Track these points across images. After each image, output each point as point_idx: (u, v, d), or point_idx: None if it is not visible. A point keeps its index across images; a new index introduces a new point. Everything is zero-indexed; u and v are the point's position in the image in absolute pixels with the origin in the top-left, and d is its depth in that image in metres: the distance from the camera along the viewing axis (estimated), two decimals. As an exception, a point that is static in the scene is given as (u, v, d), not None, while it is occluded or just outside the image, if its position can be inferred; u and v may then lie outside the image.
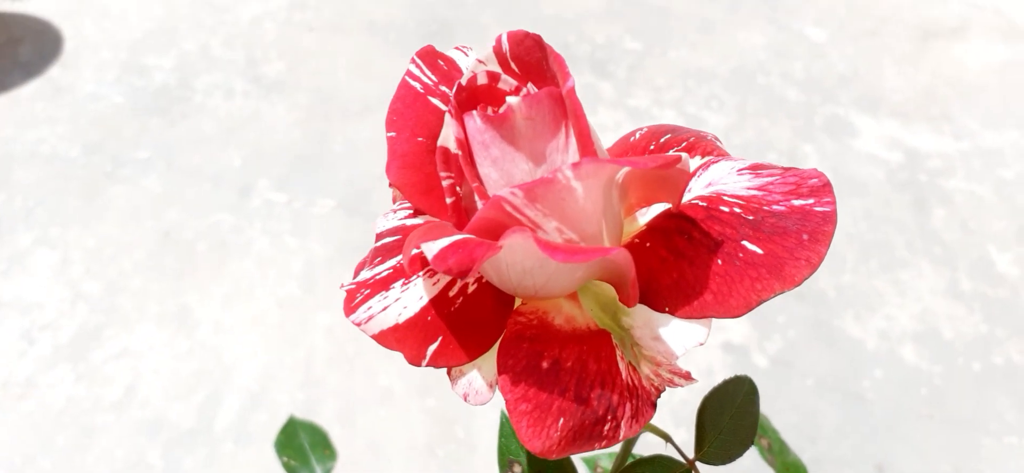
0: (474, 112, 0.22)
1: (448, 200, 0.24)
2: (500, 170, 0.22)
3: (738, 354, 1.36)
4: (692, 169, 0.23)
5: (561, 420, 0.21)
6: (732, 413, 0.31)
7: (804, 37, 2.19)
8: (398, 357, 0.26)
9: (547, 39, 0.23)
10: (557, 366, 0.21)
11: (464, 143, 0.23)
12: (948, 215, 1.62)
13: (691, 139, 0.25)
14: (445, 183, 0.24)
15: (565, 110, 0.21)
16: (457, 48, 0.27)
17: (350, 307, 0.25)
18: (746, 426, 0.31)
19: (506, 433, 0.33)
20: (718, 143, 0.25)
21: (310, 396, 1.31)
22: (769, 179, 0.22)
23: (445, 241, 0.20)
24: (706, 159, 0.24)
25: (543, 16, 2.27)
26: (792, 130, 1.84)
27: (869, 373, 1.34)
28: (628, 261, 0.20)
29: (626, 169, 0.22)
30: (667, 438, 0.32)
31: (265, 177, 1.70)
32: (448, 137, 0.24)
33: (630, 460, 0.33)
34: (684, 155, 0.21)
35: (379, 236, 0.26)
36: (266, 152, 1.77)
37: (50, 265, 1.52)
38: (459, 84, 0.23)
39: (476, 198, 0.23)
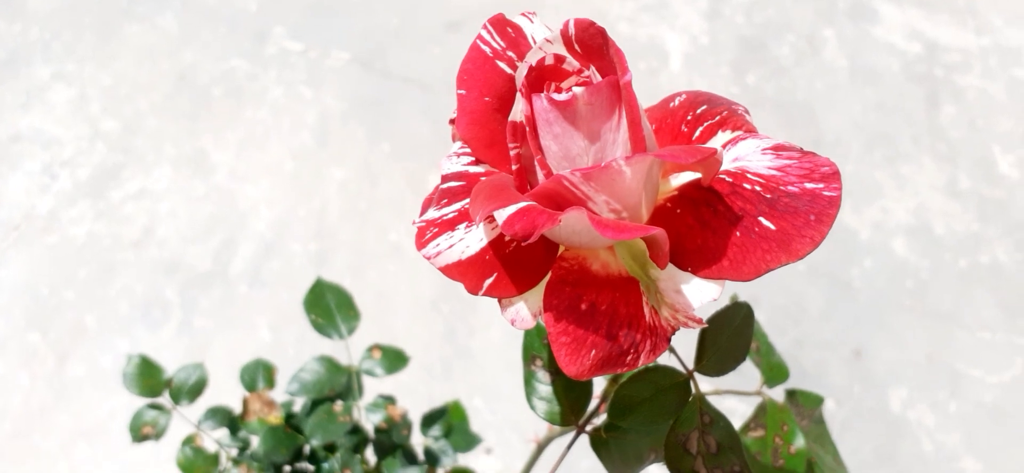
0: (542, 94, 0.26)
1: (514, 167, 0.28)
2: (560, 144, 0.26)
3: (735, 236, 1.41)
4: (722, 148, 0.27)
5: (593, 352, 0.26)
6: (729, 334, 0.36)
7: (836, -89, 2.11)
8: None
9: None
10: (593, 308, 0.26)
11: (531, 118, 0.26)
12: (957, 112, 1.63)
13: (724, 113, 0.29)
14: (512, 152, 0.28)
15: (620, 97, 0.25)
16: (523, 14, 0.30)
17: (421, 242, 0.29)
18: (741, 345, 0.36)
19: (530, 334, 0.38)
20: (747, 117, 0.29)
21: (323, 247, 1.37)
22: (788, 162, 0.26)
23: (513, 208, 0.24)
24: (735, 135, 0.28)
25: None
26: (814, 11, 1.82)
27: (859, 262, 1.40)
28: (664, 239, 0.24)
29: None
30: (671, 349, 0.37)
31: (281, 24, 1.69)
32: (517, 112, 0.28)
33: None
34: (718, 149, 0.24)
35: (444, 178, 0.30)
36: (281, -3, 1.75)
37: (68, 101, 1.55)
38: (530, 65, 0.27)
39: (536, 165, 0.27)
